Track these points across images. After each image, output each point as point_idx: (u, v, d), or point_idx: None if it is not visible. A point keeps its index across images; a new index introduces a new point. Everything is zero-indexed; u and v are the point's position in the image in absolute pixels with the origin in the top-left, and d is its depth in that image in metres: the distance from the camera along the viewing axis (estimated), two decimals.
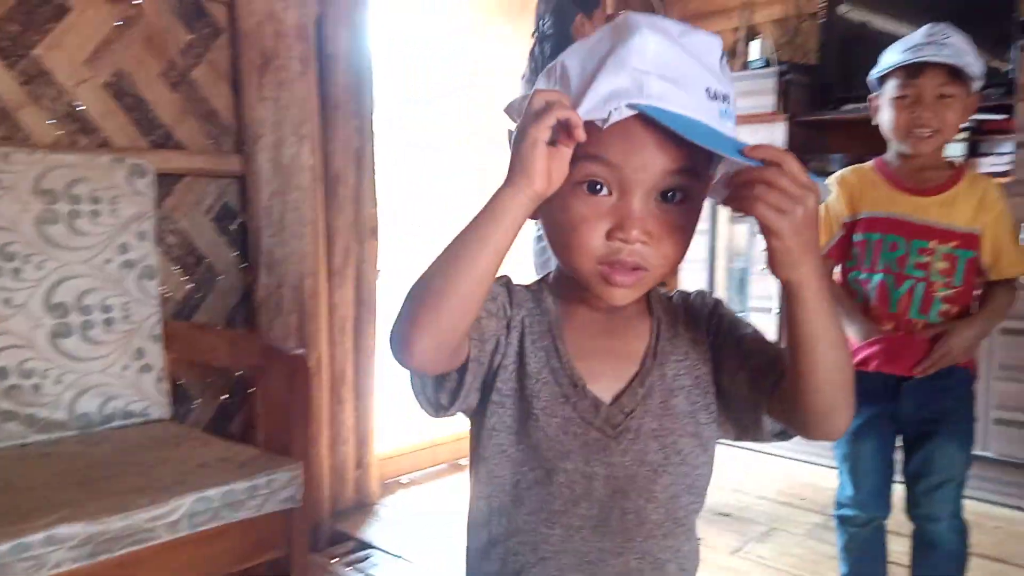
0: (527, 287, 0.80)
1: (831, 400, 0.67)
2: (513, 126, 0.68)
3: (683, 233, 0.71)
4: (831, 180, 1.66)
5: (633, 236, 0.67)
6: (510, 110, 0.76)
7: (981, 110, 2.52)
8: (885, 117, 1.55)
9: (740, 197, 0.62)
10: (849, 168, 1.66)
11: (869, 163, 1.64)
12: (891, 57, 1.53)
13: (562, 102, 0.63)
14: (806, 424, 0.70)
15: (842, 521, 1.67)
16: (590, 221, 0.68)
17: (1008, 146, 2.41)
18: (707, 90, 0.66)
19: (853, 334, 1.56)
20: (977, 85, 1.50)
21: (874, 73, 1.58)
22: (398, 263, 2.69)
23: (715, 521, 2.40)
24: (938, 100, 1.47)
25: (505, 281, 0.78)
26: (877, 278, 1.55)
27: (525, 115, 0.63)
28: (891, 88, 1.53)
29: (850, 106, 2.80)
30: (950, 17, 1.52)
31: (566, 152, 0.64)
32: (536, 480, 0.75)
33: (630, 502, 0.75)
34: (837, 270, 1.65)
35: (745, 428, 0.77)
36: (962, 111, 1.50)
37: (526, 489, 0.76)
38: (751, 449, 2.95)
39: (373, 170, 2.36)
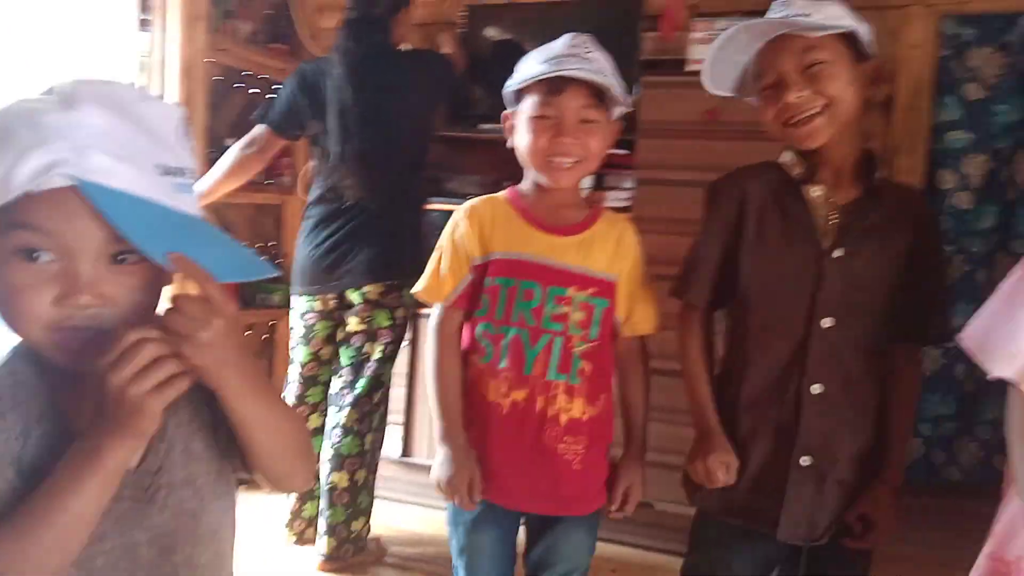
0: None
1: (281, 469, 0.81)
2: None
3: (145, 290, 0.72)
4: (460, 212, 1.37)
5: (83, 301, 0.68)
6: None
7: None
8: (522, 139, 1.31)
9: None
10: (481, 199, 1.39)
11: (503, 193, 1.39)
12: (530, 68, 1.29)
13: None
14: (270, 482, 0.82)
15: None
16: (34, 288, 0.68)
17: (629, 182, 2.42)
18: (157, 166, 0.69)
19: None
20: (619, 111, 1.33)
21: (510, 85, 1.34)
22: None
23: None
24: (580, 124, 1.27)
25: None
26: (511, 333, 1.30)
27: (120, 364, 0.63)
28: (529, 106, 1.29)
29: (489, 125, 2.65)
30: None
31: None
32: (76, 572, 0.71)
33: (178, 554, 0.77)
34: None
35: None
36: (604, 139, 1.31)
37: None
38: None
39: None
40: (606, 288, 1.33)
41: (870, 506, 1.20)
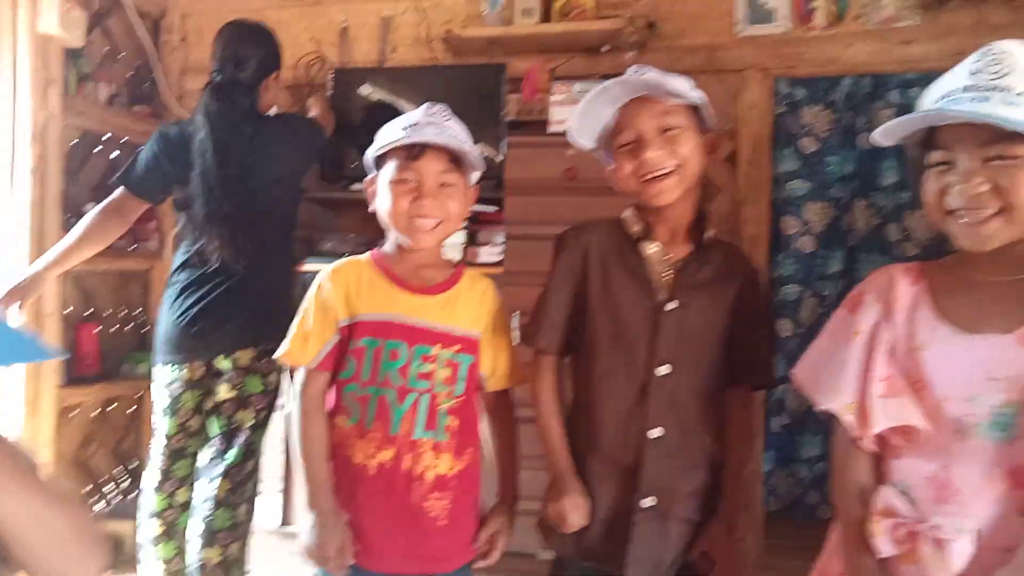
0: None
1: (54, 568, 0.77)
2: None
3: None
4: (324, 274, 1.39)
5: None
6: None
7: (477, 201, 2.61)
8: (383, 203, 1.35)
9: None
10: (345, 261, 1.41)
11: (366, 255, 1.42)
12: (389, 134, 1.34)
13: None
14: None
15: None
16: None
17: (500, 237, 2.50)
18: None
19: None
20: (475, 176, 1.39)
21: (371, 152, 1.38)
22: None
23: None
24: (440, 188, 1.32)
25: None
26: (378, 394, 1.31)
27: None
28: (390, 170, 1.34)
29: (360, 185, 2.67)
30: (450, 106, 1.39)
31: None
32: None
33: None
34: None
35: None
36: (463, 201, 1.37)
37: None
38: None
39: None
40: (470, 344, 1.37)
41: (709, 544, 1.28)
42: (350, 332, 1.34)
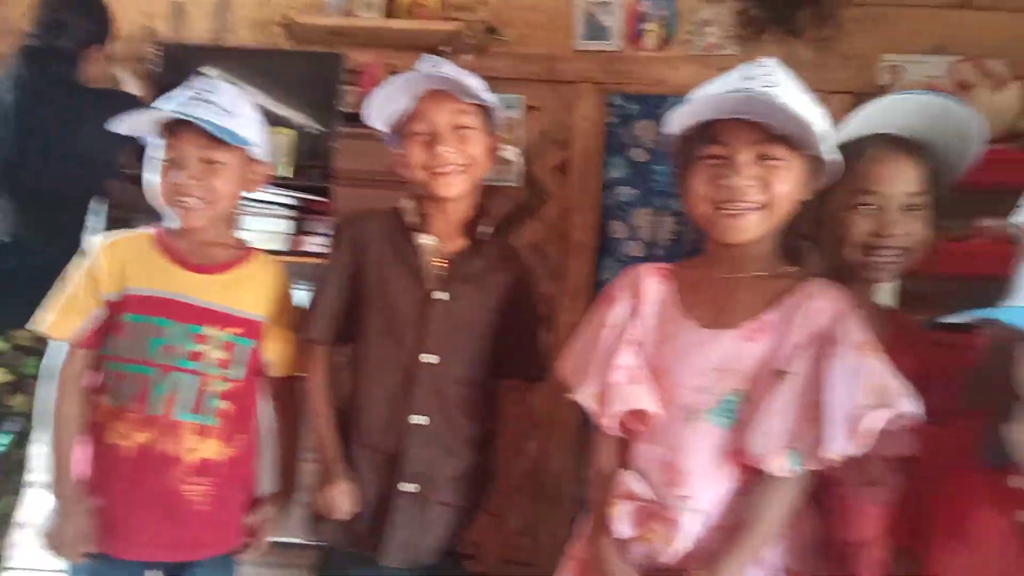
0: None
1: None
2: None
3: None
4: (97, 245, 1.32)
5: None
6: None
7: (305, 190, 2.56)
8: (152, 180, 1.31)
9: None
10: (122, 233, 1.35)
11: (149, 229, 1.35)
12: (161, 109, 1.29)
13: None
14: None
15: None
16: None
17: (326, 227, 2.46)
18: None
19: None
20: (257, 152, 1.35)
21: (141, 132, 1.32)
22: None
23: None
24: (207, 165, 1.28)
25: None
26: (140, 372, 1.25)
27: None
28: (159, 149, 1.30)
29: None
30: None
31: None
32: None
33: None
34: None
35: None
36: (232, 180, 1.32)
37: None
38: None
39: None
40: (252, 328, 1.33)
41: (478, 532, 1.32)
42: (117, 307, 1.27)
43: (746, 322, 1.07)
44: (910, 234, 1.15)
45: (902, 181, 1.15)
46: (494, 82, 2.90)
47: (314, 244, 2.44)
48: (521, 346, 1.35)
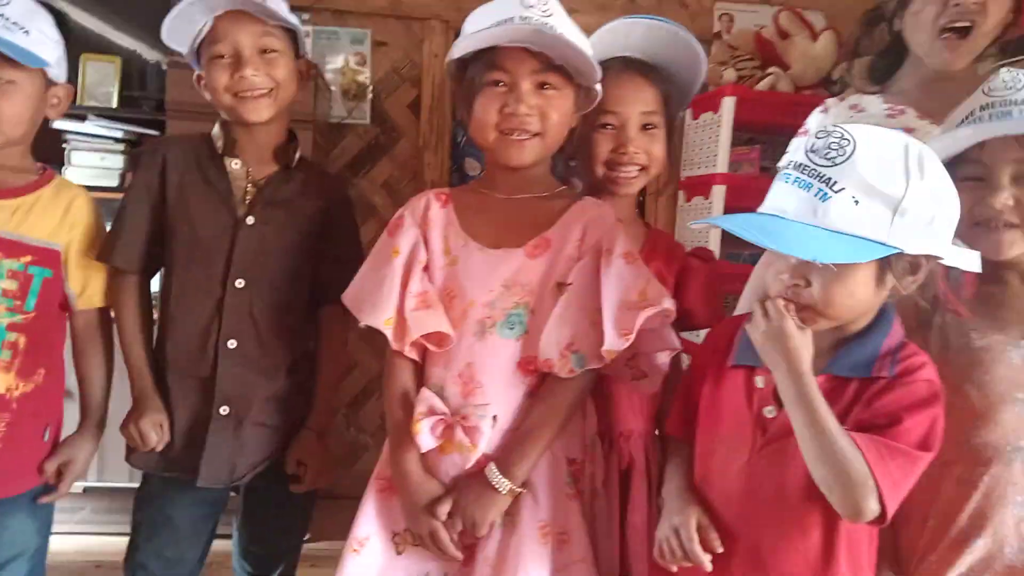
0: None
1: None
2: None
3: None
4: None
5: None
6: None
7: (137, 123, 2.43)
8: None
9: None
10: None
11: None
12: None
13: None
14: None
15: None
16: None
17: None
18: None
19: None
20: (55, 73, 1.28)
21: None
22: None
23: None
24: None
25: None
26: None
27: None
28: None
29: None
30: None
31: None
32: None
33: None
34: None
35: None
36: (27, 104, 1.24)
37: None
38: None
39: None
40: (47, 257, 1.27)
41: (300, 451, 1.34)
42: None
43: (527, 240, 1.13)
44: (647, 152, 1.24)
45: (638, 101, 1.23)
46: (343, 16, 2.84)
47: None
48: (337, 270, 1.32)
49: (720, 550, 0.96)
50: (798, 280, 0.92)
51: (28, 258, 1.25)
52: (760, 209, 0.94)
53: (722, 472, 1.00)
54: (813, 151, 0.89)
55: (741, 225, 0.89)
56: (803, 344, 0.91)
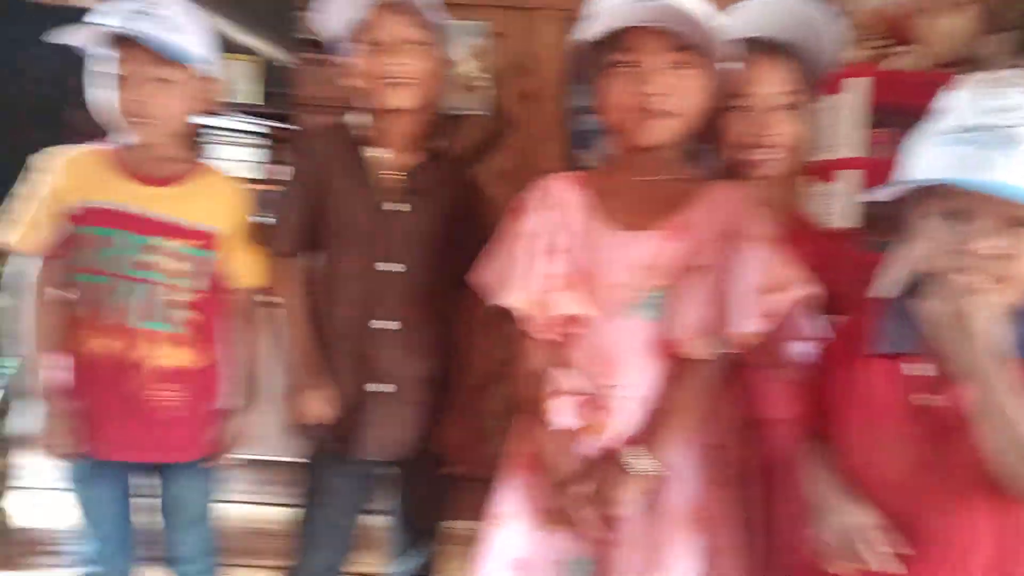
0: None
1: None
2: None
3: None
4: (55, 160, 1.36)
5: None
6: None
7: (275, 118, 2.58)
8: (109, 95, 1.32)
9: None
10: (78, 148, 1.38)
11: (104, 145, 1.38)
12: (104, 23, 1.29)
13: None
14: None
15: None
16: None
17: None
18: None
19: None
20: (210, 69, 1.37)
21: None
22: None
23: None
24: (157, 83, 1.30)
25: None
26: (101, 281, 1.31)
27: None
28: (105, 63, 1.31)
29: None
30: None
31: None
32: None
33: None
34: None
35: None
36: (185, 99, 1.34)
37: None
38: None
39: None
40: (209, 239, 1.38)
41: (448, 433, 1.41)
42: (77, 220, 1.32)
43: (664, 223, 1.13)
44: (783, 134, 1.21)
45: (771, 82, 1.21)
46: (460, 9, 2.89)
47: (285, 173, 2.47)
48: (473, 257, 1.35)
49: (908, 551, 0.92)
50: (1005, 251, 0.86)
51: (192, 241, 1.36)
52: (928, 174, 0.90)
53: (879, 466, 0.97)
54: (984, 112, 0.86)
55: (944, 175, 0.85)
56: (996, 323, 0.87)
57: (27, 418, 1.34)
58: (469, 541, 1.20)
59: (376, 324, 1.36)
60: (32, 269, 1.34)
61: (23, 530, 2.17)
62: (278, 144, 2.56)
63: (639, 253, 1.13)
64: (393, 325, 1.36)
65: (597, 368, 1.13)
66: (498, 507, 1.18)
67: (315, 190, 1.39)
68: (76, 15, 2.21)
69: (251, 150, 2.55)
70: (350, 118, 1.41)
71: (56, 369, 1.33)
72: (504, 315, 1.18)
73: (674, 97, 1.10)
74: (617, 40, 1.11)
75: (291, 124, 2.50)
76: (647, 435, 1.10)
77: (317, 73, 2.44)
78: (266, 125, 2.56)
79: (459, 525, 1.52)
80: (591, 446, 1.12)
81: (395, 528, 1.52)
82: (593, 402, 1.12)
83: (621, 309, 1.13)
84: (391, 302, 1.36)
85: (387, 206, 1.37)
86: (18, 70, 2.01)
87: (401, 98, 1.34)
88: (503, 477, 1.19)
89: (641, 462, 1.08)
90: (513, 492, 1.18)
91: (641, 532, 1.10)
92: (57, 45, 2.07)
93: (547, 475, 1.13)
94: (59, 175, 1.34)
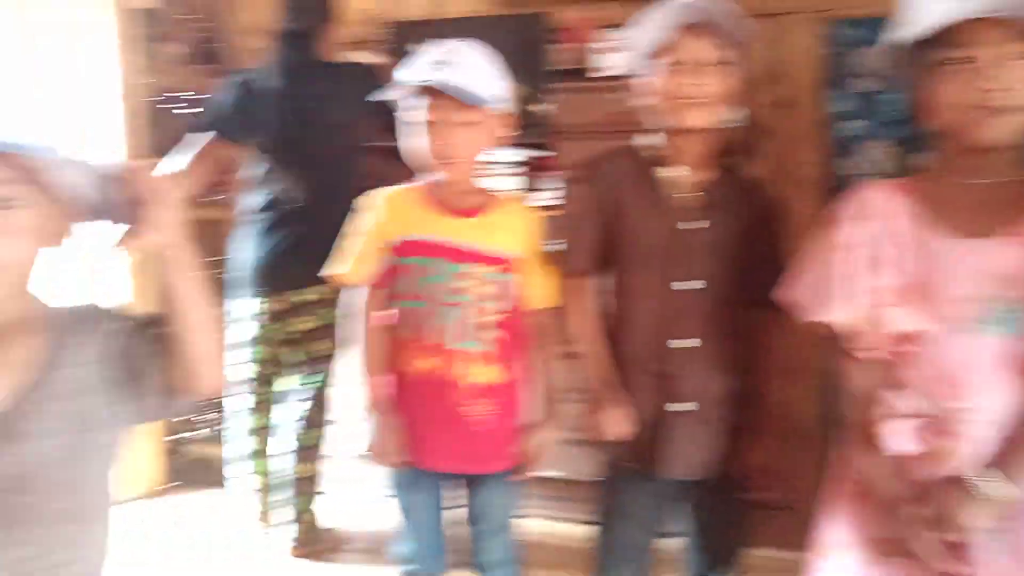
0: None
1: (203, 371, 0.93)
2: None
3: None
4: (377, 199, 1.52)
5: None
6: None
7: (531, 146, 2.69)
8: (416, 142, 1.44)
9: None
10: (395, 187, 1.54)
11: (417, 183, 1.53)
12: (413, 75, 1.41)
13: None
14: (184, 389, 0.95)
15: None
16: None
17: (554, 182, 2.57)
18: None
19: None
20: (504, 107, 1.45)
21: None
22: None
23: None
24: (463, 126, 1.39)
25: None
26: (421, 307, 1.44)
27: None
28: (414, 112, 1.42)
29: None
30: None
31: None
32: None
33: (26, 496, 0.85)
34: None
35: None
36: (487, 136, 1.44)
37: None
38: None
39: None
40: (511, 264, 1.47)
41: (750, 456, 1.38)
42: (397, 252, 1.46)
43: (1012, 228, 1.03)
44: None
45: None
46: None
47: (543, 199, 2.57)
48: (773, 272, 1.32)
49: None
50: None
51: (498, 266, 1.45)
52: None
53: None
54: None
55: None
56: None
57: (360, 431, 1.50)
58: (768, 570, 1.15)
59: (675, 343, 1.37)
60: (360, 298, 1.51)
61: (329, 530, 2.42)
62: (535, 172, 2.65)
63: (987, 262, 1.03)
64: (693, 343, 1.36)
65: (940, 389, 1.05)
66: (825, 536, 1.12)
67: (608, 211, 1.42)
68: (368, 69, 2.50)
69: (513, 179, 2.67)
70: (638, 140, 1.43)
71: (384, 387, 1.47)
72: (825, 334, 1.13)
73: (1018, 91, 1.00)
74: (946, 35, 1.02)
75: (547, 151, 2.59)
76: (1004, 460, 1.00)
77: (571, 100, 2.52)
78: (524, 155, 2.68)
79: (758, 553, 1.48)
80: (934, 473, 1.04)
81: (691, 551, 1.51)
82: (937, 426, 1.04)
83: (967, 324, 1.03)
84: (690, 320, 1.36)
85: (683, 224, 1.37)
86: (332, 121, 2.26)
87: (699, 118, 1.34)
88: (828, 504, 1.14)
89: (992, 486, 0.98)
90: (840, 521, 1.12)
91: (997, 565, 0.99)
92: (358, 98, 2.34)
93: (878, 501, 1.06)
94: (381, 213, 1.49)
